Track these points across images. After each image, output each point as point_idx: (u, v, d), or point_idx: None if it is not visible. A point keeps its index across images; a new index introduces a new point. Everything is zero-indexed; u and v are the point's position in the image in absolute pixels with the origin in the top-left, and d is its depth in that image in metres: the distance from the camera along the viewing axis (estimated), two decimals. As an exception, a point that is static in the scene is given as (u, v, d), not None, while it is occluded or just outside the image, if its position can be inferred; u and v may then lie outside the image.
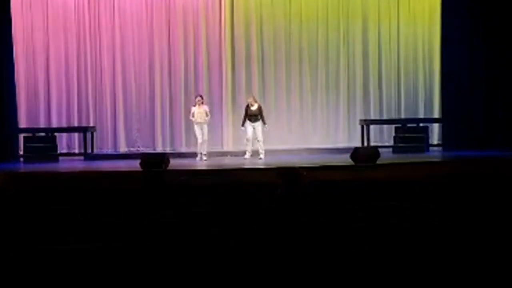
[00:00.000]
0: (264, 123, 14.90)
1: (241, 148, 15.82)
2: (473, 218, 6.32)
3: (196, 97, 15.30)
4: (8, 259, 4.88)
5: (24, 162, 15.49)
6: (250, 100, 15.03)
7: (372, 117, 17.12)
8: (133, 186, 10.55)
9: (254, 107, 14.93)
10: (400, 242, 5.29)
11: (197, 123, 14.84)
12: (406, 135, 16.14)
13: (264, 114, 15.04)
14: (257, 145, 14.95)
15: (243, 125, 15.00)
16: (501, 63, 16.08)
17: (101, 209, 7.38)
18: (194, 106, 15.00)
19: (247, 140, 15.01)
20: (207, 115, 14.91)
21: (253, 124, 14.85)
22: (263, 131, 14.92)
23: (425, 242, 5.25)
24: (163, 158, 12.93)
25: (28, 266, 4.68)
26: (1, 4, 15.64)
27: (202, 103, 15.02)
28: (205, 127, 14.92)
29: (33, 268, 4.64)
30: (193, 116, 14.90)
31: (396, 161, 13.83)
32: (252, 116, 14.88)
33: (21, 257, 4.95)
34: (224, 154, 15.94)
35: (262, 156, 14.85)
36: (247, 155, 14.93)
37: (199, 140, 14.90)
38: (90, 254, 4.98)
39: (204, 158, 14.82)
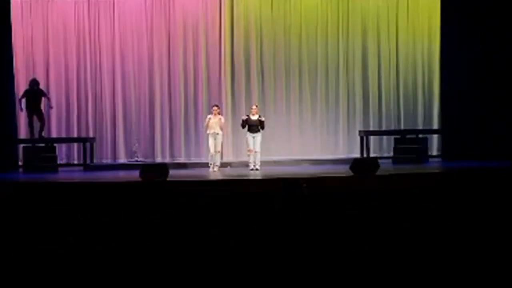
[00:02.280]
0: (262, 127, 14.84)
1: (241, 159, 15.83)
2: (471, 228, 6.32)
3: (212, 106, 15.29)
4: (6, 265, 4.87)
5: (24, 172, 15.47)
6: (252, 109, 14.99)
7: (372, 128, 17.12)
8: (133, 196, 10.54)
9: (254, 117, 14.91)
10: (399, 252, 5.29)
11: (211, 133, 14.78)
12: (406, 146, 16.16)
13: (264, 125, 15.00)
14: (255, 156, 14.89)
15: (243, 127, 14.94)
16: (501, 75, 16.12)
17: (100, 218, 7.37)
18: (211, 115, 14.92)
19: (249, 151, 14.95)
20: (221, 126, 14.87)
21: (253, 135, 14.83)
22: (261, 143, 14.89)
23: (423, 251, 5.25)
24: (162, 168, 12.93)
25: (25, 273, 4.68)
26: (2, 17, 15.69)
27: (218, 113, 14.99)
28: (219, 137, 14.82)
29: (30, 274, 4.64)
30: (207, 125, 14.85)
31: (395, 172, 13.83)
32: (252, 126, 14.86)
33: (18, 264, 4.94)
34: (224, 165, 15.92)
35: (258, 167, 14.80)
36: (252, 166, 14.84)
37: (211, 151, 14.79)
38: (88, 260, 4.97)
39: (215, 169, 14.75)
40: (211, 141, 14.79)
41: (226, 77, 16.93)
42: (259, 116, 14.91)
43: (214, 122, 14.78)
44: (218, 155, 14.94)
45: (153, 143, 16.88)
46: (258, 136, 14.82)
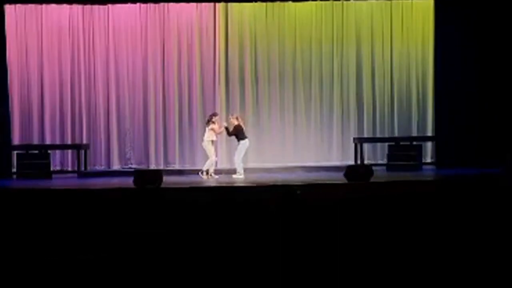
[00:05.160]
0: (231, 135, 14.76)
1: (234, 166, 15.82)
2: (466, 235, 6.33)
3: (214, 115, 15.10)
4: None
5: (17, 179, 15.44)
6: (230, 119, 15.04)
7: (366, 135, 17.14)
8: (127, 203, 10.52)
9: (231, 127, 14.94)
10: (393, 259, 5.29)
11: (213, 141, 14.86)
12: (400, 153, 16.18)
13: (242, 132, 14.85)
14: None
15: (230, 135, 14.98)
16: (494, 82, 16.20)
17: (94, 225, 7.35)
18: (216, 124, 14.82)
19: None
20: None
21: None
22: (240, 152, 14.76)
23: (417, 258, 5.26)
24: (156, 175, 12.91)
25: (17, 280, 4.66)
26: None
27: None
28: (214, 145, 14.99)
29: (23, 281, 4.62)
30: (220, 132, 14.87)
31: (389, 179, 13.85)
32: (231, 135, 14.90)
33: (11, 271, 4.93)
34: (218, 172, 15.91)
35: (240, 175, 14.71)
36: (236, 175, 14.79)
37: (213, 159, 14.80)
38: (81, 267, 4.96)
39: (216, 176, 14.79)
40: (213, 149, 14.79)
41: (221, 84, 16.94)
42: (236, 124, 14.86)
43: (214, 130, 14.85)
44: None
45: (147, 149, 16.87)
46: (238, 145, 14.79)
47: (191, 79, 16.99)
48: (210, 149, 14.76)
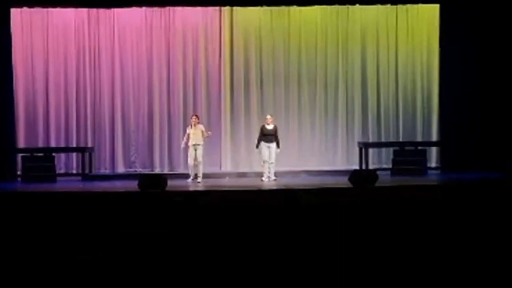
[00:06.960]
0: (278, 145, 14.73)
1: (239, 170, 15.84)
2: (470, 240, 6.31)
3: (191, 117, 15.23)
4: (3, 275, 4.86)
5: (22, 182, 15.46)
6: (267, 119, 14.96)
7: (371, 140, 17.11)
8: (131, 207, 10.52)
9: (270, 127, 14.83)
10: (397, 264, 5.28)
11: (192, 145, 14.66)
12: (405, 158, 16.14)
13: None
14: (270, 167, 14.71)
15: (257, 146, 14.82)
16: (500, 87, 16.16)
17: (98, 229, 7.36)
18: (189, 127, 14.87)
19: (264, 162, 14.74)
20: (203, 134, 14.76)
21: (269, 144, 14.68)
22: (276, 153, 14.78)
23: (422, 263, 5.24)
24: (161, 179, 12.92)
25: (22, 283, 4.66)
26: (2, 27, 15.73)
27: (198, 122, 14.94)
28: (200, 148, 14.68)
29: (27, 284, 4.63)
30: (187, 138, 14.73)
31: (394, 183, 13.82)
32: (267, 136, 14.76)
33: (15, 274, 4.93)
34: (222, 175, 15.92)
35: (274, 177, 14.66)
36: (265, 178, 14.66)
37: (190, 162, 14.75)
38: (85, 270, 4.96)
39: (199, 180, 14.66)
40: (192, 152, 14.69)
41: (225, 88, 16.94)
42: (275, 126, 14.88)
43: (194, 134, 14.67)
44: (200, 166, 14.82)
45: (152, 153, 16.88)
46: (273, 146, 14.72)
47: (196, 83, 17.00)
48: (189, 152, 14.77)
